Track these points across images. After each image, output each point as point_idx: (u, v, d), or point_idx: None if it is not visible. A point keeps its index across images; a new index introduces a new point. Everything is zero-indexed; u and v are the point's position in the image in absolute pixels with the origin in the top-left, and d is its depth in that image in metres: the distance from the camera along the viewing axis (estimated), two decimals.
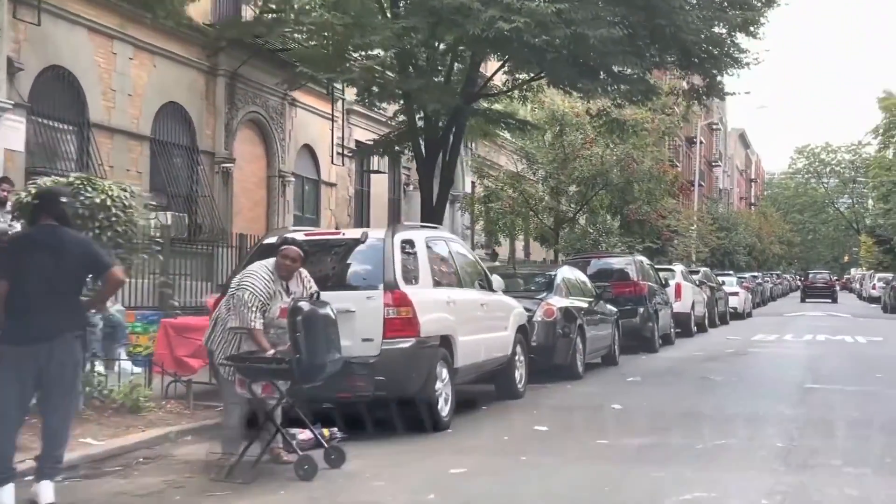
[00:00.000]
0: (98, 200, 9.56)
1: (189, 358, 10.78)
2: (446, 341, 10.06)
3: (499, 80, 21.08)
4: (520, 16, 14.63)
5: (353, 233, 10.51)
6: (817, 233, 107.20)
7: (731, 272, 43.45)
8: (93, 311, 8.47)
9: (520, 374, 12.37)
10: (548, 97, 26.28)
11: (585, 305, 15.82)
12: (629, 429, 10.23)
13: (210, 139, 19.47)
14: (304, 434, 8.30)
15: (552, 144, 28.69)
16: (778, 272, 77.93)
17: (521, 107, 24.33)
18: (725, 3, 17.51)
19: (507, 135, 29.66)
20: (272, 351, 7.73)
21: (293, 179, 22.54)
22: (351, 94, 21.34)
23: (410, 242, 10.16)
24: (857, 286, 70.40)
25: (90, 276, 7.03)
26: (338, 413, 9.07)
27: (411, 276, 9.81)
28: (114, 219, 9.66)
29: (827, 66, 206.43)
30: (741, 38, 17.96)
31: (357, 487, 7.44)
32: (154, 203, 11.70)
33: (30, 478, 6.70)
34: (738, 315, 34.77)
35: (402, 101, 18.88)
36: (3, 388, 6.47)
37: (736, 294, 35.45)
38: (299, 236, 9.40)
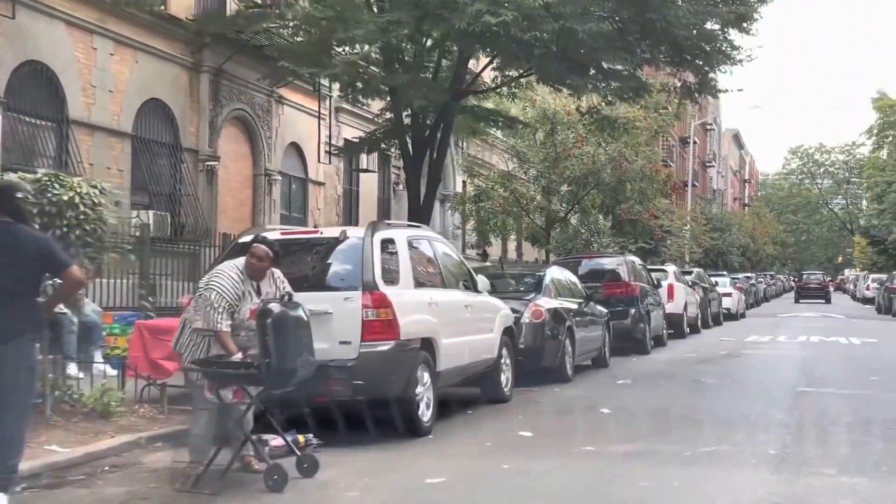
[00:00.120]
0: (66, 198, 9.26)
1: (164, 360, 10.36)
2: (428, 344, 9.74)
3: (488, 76, 20.77)
4: (507, 10, 14.34)
5: (332, 231, 10.20)
6: (811, 233, 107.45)
7: (724, 273, 43.41)
8: (53, 311, 8.14)
9: (506, 377, 12.08)
10: (539, 95, 25.99)
11: (575, 306, 15.53)
12: (617, 434, 9.97)
13: (194, 137, 19.13)
14: (276, 441, 7.97)
15: (543, 143, 28.43)
16: (772, 273, 77.93)
17: (513, 104, 24.02)
18: None
19: (497, 133, 29.37)
20: (240, 354, 7.40)
21: (280, 178, 22.20)
22: (337, 90, 21.01)
23: (391, 241, 9.83)
24: (851, 287, 70.30)
25: (47, 275, 6.70)
26: (314, 419, 8.73)
27: (391, 277, 9.49)
28: (82, 217, 9.35)
29: (821, 64, 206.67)
30: (734, 35, 17.66)
31: (328, 500, 7.12)
32: (125, 201, 11.39)
33: None
34: (731, 316, 34.62)
35: (388, 98, 18.56)
36: None
37: (729, 295, 35.37)
38: (275, 235, 9.10)
